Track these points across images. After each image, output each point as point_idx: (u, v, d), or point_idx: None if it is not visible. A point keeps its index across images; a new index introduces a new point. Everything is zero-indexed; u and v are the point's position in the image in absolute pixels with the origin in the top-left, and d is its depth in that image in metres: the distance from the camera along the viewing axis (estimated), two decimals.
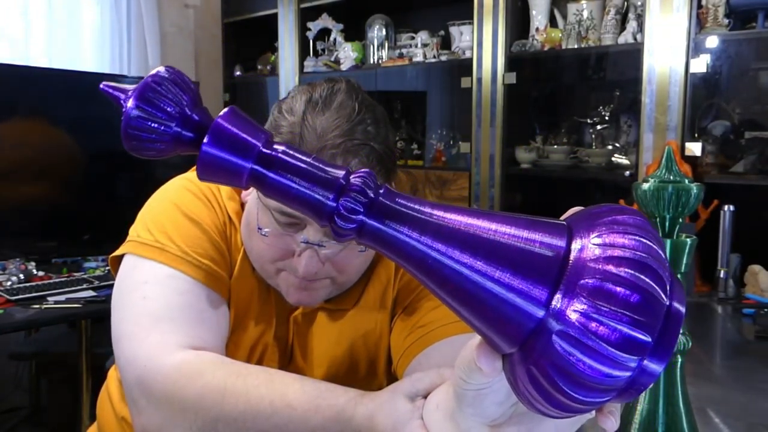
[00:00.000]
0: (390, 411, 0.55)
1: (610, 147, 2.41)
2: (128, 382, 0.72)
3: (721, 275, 1.88)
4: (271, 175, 0.37)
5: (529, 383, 0.34)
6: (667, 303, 0.33)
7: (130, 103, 0.38)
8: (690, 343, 0.64)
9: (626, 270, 0.32)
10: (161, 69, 0.39)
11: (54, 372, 2.55)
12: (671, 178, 0.65)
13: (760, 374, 1.28)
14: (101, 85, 0.40)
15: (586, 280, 0.32)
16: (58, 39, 2.98)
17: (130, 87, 0.39)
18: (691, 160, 2.05)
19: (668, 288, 0.33)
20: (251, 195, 0.82)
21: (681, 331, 0.64)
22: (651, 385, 0.36)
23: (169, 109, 0.38)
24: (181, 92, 0.38)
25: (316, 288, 0.80)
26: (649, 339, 0.32)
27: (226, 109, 0.38)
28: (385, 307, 0.88)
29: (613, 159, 2.33)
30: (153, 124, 0.38)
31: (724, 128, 2.14)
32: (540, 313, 0.33)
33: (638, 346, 0.32)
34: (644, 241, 0.33)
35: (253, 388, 0.65)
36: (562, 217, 0.39)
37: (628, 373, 0.33)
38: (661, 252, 0.34)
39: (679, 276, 0.64)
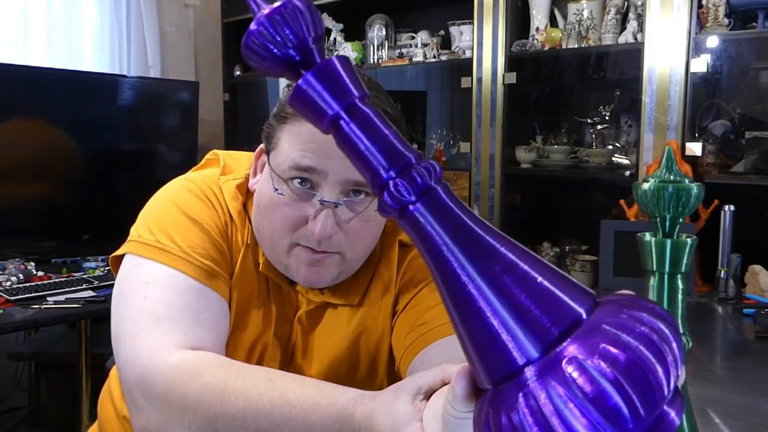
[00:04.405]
0: (390, 411, 0.55)
1: (610, 147, 2.40)
2: (128, 382, 0.72)
3: (722, 275, 1.88)
4: (352, 126, 0.37)
5: (484, 425, 0.34)
6: (646, 420, 0.31)
7: (259, 16, 0.39)
8: (690, 344, 0.64)
9: (614, 372, 0.30)
10: None
11: (54, 372, 2.55)
12: (671, 178, 0.64)
13: (760, 374, 1.28)
14: None
15: (572, 366, 0.31)
16: (58, 39, 2.98)
17: (267, 5, 0.40)
18: (692, 160, 2.05)
19: (657, 405, 0.31)
20: (262, 176, 0.84)
21: (681, 331, 0.64)
22: None
23: (289, 34, 0.38)
24: (306, 24, 0.39)
25: (326, 265, 0.81)
26: None
27: (340, 56, 0.39)
28: (386, 306, 0.88)
29: (613, 159, 2.33)
30: (269, 45, 0.39)
31: (724, 128, 2.14)
32: (521, 362, 0.33)
33: None
34: (647, 354, 0.31)
35: (252, 387, 0.65)
36: (615, 293, 0.37)
37: None
38: (670, 363, 0.32)
39: (679, 276, 0.64)
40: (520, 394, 0.32)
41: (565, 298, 0.34)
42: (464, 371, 0.39)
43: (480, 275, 0.34)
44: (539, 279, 0.34)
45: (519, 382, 0.32)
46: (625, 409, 0.30)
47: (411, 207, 0.36)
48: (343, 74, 0.38)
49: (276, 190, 0.78)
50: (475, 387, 0.39)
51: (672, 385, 0.32)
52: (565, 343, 0.32)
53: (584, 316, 0.33)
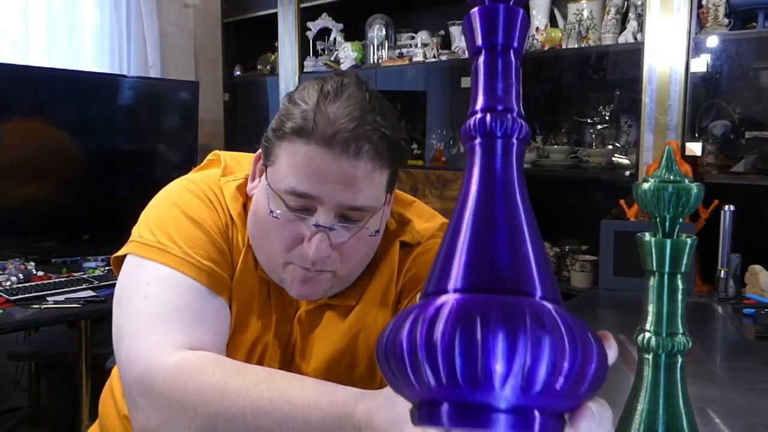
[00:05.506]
0: (390, 408, 0.55)
1: (610, 147, 2.40)
2: (128, 381, 0.73)
3: (722, 275, 1.88)
4: (499, 60, 0.39)
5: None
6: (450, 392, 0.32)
7: None
8: (690, 344, 0.64)
9: (471, 339, 0.32)
10: None
11: (54, 372, 2.55)
12: (671, 177, 0.64)
13: (760, 374, 1.28)
14: None
15: (462, 314, 0.33)
16: (58, 39, 2.98)
17: None
18: (692, 160, 2.05)
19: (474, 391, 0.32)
20: (259, 186, 0.83)
21: (681, 331, 0.64)
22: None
23: None
24: None
25: (320, 281, 0.81)
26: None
27: (525, 18, 0.40)
28: (386, 304, 0.88)
29: (613, 159, 2.33)
30: None
31: (724, 128, 2.14)
32: (451, 286, 0.35)
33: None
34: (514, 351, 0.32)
35: (252, 386, 0.65)
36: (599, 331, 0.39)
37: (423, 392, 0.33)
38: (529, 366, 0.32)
39: (679, 276, 0.64)
40: (417, 309, 0.34)
41: (535, 277, 0.35)
42: None
43: (488, 211, 0.37)
44: (529, 252, 0.36)
45: (431, 300, 0.34)
46: (441, 369, 0.32)
47: (484, 139, 0.38)
48: (519, 28, 0.40)
49: (271, 212, 0.78)
50: None
51: (506, 393, 0.32)
52: (484, 296, 0.34)
53: (537, 296, 0.35)
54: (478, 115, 0.38)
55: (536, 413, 0.33)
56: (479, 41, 0.39)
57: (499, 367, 0.32)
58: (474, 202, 0.37)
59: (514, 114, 0.38)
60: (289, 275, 0.81)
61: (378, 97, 0.79)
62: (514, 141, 0.38)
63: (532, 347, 0.32)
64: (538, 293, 0.35)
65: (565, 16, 2.46)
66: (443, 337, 0.32)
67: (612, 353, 0.39)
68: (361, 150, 0.74)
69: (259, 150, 0.86)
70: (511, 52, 0.39)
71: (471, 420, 0.33)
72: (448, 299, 0.34)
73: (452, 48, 2.79)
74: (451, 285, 0.35)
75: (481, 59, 0.39)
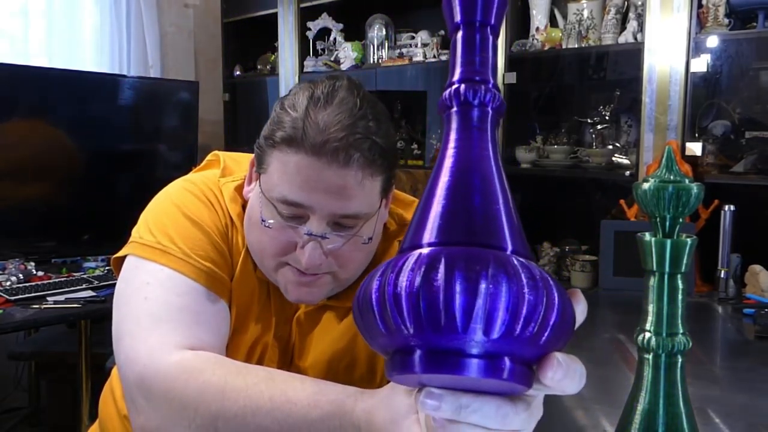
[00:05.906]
0: (389, 406, 0.55)
1: (610, 147, 2.40)
2: (128, 381, 0.73)
3: (722, 275, 1.88)
4: (477, 36, 0.41)
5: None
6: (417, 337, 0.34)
7: None
8: (690, 344, 0.64)
9: (432, 288, 0.33)
10: None
11: (54, 372, 2.55)
12: (671, 177, 0.64)
13: (760, 374, 1.28)
14: None
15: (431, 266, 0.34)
16: (58, 39, 2.98)
17: None
18: (692, 160, 2.05)
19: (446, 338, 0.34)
20: (254, 191, 0.83)
21: (681, 331, 0.64)
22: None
23: None
24: None
25: (317, 285, 0.80)
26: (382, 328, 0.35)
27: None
28: None
29: (613, 159, 2.33)
30: None
31: (724, 128, 2.14)
32: (425, 240, 0.37)
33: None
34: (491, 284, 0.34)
35: (252, 385, 0.65)
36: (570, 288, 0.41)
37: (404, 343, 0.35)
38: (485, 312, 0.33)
39: (679, 276, 0.64)
40: (388, 262, 0.36)
41: (506, 233, 0.37)
42: None
43: (462, 173, 0.39)
44: (501, 210, 0.38)
45: (405, 254, 0.36)
46: (407, 319, 0.34)
47: (461, 108, 0.41)
48: (496, 6, 0.41)
49: (263, 221, 0.78)
50: None
51: (478, 336, 0.33)
52: (454, 247, 0.35)
53: (507, 251, 0.36)
54: (455, 86, 0.41)
55: (506, 359, 0.34)
56: (458, 17, 0.41)
57: (459, 310, 0.33)
58: (450, 164, 0.39)
59: (489, 85, 0.41)
60: (283, 278, 0.81)
61: (370, 101, 0.78)
62: (489, 110, 0.41)
63: (492, 291, 0.33)
64: (509, 248, 0.37)
65: (565, 16, 2.46)
66: (408, 283, 0.34)
67: (580, 308, 0.40)
68: (351, 158, 0.73)
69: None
70: (488, 28, 0.42)
71: (441, 365, 0.34)
72: (419, 251, 0.36)
73: None
74: (424, 240, 0.37)
75: (460, 34, 0.41)
